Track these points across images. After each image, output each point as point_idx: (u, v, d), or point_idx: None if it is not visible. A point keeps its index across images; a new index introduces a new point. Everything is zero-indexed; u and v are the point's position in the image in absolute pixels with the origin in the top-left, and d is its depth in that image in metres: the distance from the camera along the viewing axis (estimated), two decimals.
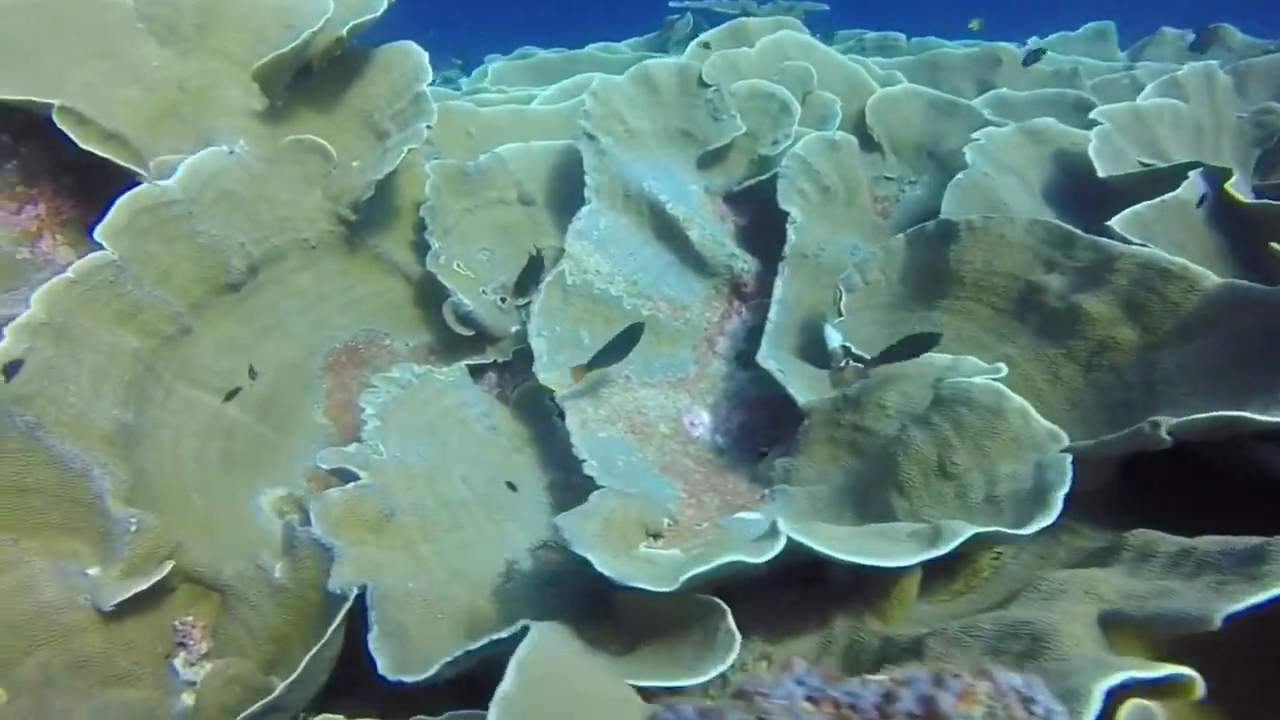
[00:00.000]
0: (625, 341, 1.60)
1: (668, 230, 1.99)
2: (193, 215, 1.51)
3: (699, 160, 2.19)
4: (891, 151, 2.35)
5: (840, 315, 1.66)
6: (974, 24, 5.21)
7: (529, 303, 1.94)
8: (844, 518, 1.26)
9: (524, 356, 1.88)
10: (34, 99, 1.41)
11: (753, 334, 1.97)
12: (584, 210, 1.95)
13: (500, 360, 1.86)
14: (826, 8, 4.35)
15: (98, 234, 1.36)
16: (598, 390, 1.66)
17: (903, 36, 3.70)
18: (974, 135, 1.98)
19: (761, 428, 1.80)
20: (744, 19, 2.49)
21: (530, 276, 1.84)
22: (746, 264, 1.97)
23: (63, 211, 1.53)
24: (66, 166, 1.54)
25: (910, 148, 2.36)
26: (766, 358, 1.65)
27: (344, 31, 1.76)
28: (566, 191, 2.23)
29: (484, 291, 1.90)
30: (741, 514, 1.35)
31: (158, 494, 1.27)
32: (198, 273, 1.52)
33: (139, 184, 1.50)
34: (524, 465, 1.58)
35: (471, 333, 1.82)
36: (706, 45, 2.86)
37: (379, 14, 1.81)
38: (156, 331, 1.41)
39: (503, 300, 1.91)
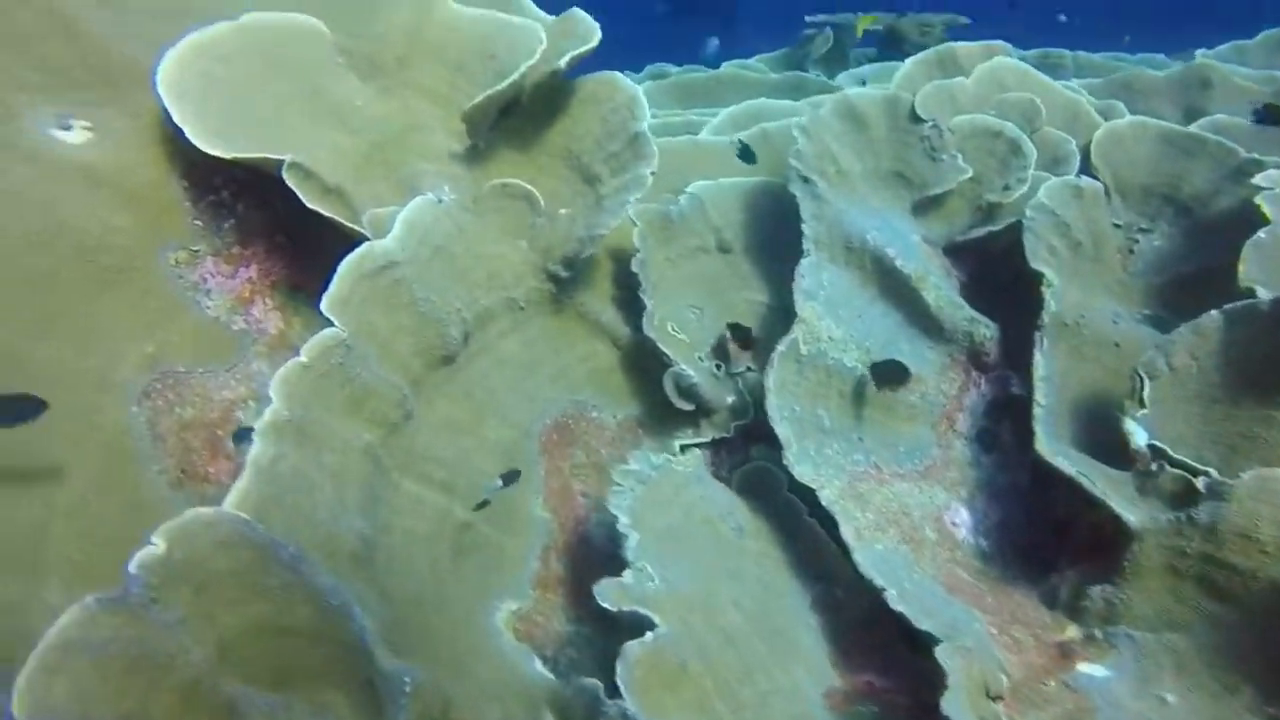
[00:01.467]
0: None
1: (896, 289, 1.75)
2: (412, 279, 1.32)
3: (915, 206, 1.96)
4: (1117, 194, 2.09)
5: (1141, 406, 1.41)
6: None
7: (743, 371, 1.73)
8: (1239, 691, 1.02)
9: (744, 431, 1.67)
10: (268, 156, 1.23)
11: (994, 410, 1.73)
12: (804, 264, 1.72)
13: (718, 436, 1.64)
14: (969, 21, 4.06)
15: (325, 308, 1.18)
16: (858, 488, 1.43)
17: (1066, 53, 3.40)
18: (1264, 182, 1.71)
19: (1020, 525, 1.56)
20: (952, 45, 2.23)
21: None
22: (988, 330, 1.72)
23: (273, 273, 1.35)
24: (279, 223, 1.36)
25: (1138, 190, 2.08)
26: (1054, 454, 1.40)
27: (561, 64, 1.56)
28: (764, 236, 2.01)
29: (700, 357, 1.69)
30: (1084, 668, 1.11)
31: (403, 621, 1.08)
32: (416, 345, 1.33)
33: (355, 242, 1.32)
34: (777, 573, 1.36)
35: (692, 406, 1.60)
36: (863, 82, 2.62)
37: (595, 45, 1.61)
38: (384, 419, 1.23)
39: (718, 367, 1.70)
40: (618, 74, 1.69)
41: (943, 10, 4.15)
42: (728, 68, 3.48)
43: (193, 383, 1.18)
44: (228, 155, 1.21)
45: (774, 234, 2.00)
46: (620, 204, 1.52)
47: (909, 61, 2.14)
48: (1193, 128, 2.21)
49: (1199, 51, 3.82)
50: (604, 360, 1.66)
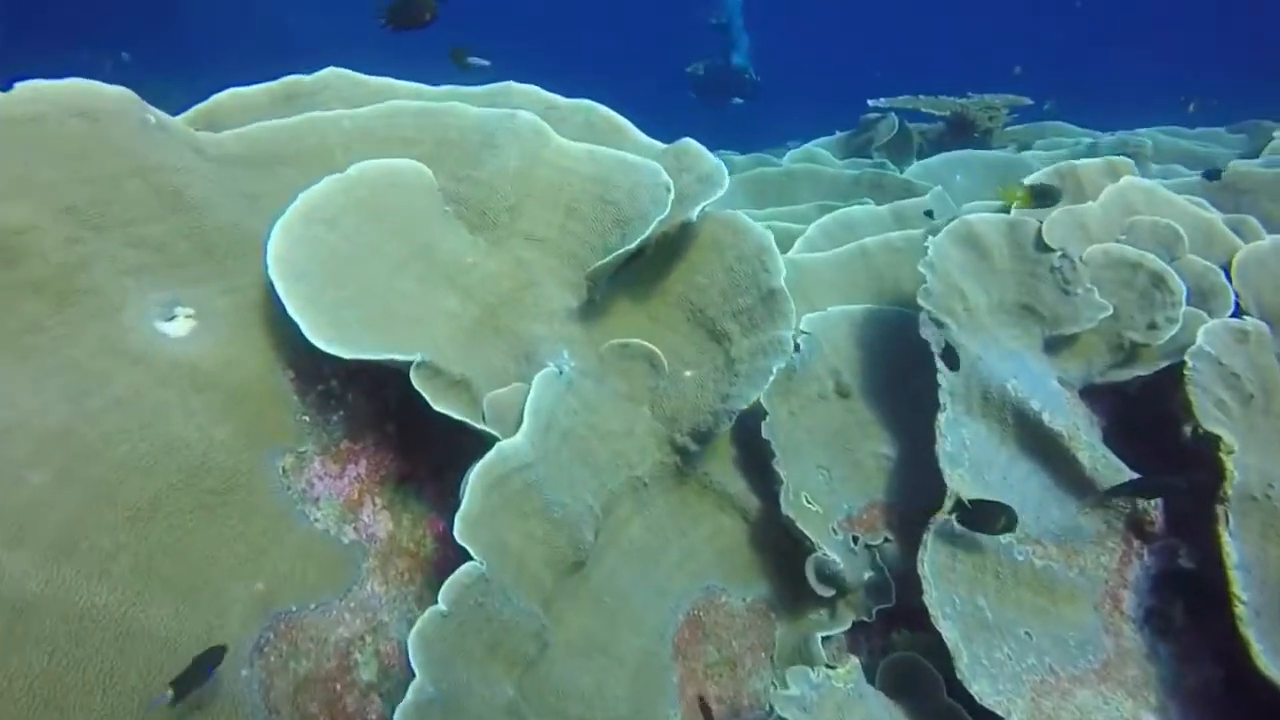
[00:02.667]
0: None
1: (1042, 446, 1.58)
2: (543, 480, 1.15)
3: (1047, 343, 1.79)
4: (1264, 322, 1.91)
5: None
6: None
7: (880, 544, 1.55)
8: None
9: (885, 616, 1.48)
10: (394, 357, 1.08)
11: (1162, 586, 1.54)
12: (942, 421, 1.55)
13: (857, 620, 1.46)
14: (1030, 102, 3.94)
15: (459, 535, 1.01)
16: (1042, 706, 1.24)
17: (1148, 141, 3.26)
18: None
19: None
20: (1073, 163, 2.08)
21: None
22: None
23: (382, 466, 1.19)
24: (388, 411, 1.20)
25: None
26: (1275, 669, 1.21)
27: (693, 216, 1.41)
28: (882, 374, 1.84)
29: (834, 530, 1.51)
30: None
31: None
32: (548, 555, 1.16)
33: (475, 436, 1.16)
34: None
35: (833, 592, 1.42)
36: (929, 214, 2.48)
37: (725, 190, 1.46)
38: (521, 658, 1.05)
39: (854, 541, 1.52)
40: (742, 216, 1.54)
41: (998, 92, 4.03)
42: (797, 159, 3.35)
43: (306, 624, 1.01)
44: (349, 356, 1.06)
45: (891, 371, 1.84)
46: (761, 374, 1.36)
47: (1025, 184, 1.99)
48: None
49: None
50: (731, 536, 1.49)
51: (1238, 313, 1.78)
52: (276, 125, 1.50)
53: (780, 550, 1.50)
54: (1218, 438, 1.49)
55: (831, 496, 1.56)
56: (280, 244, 1.17)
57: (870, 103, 3.70)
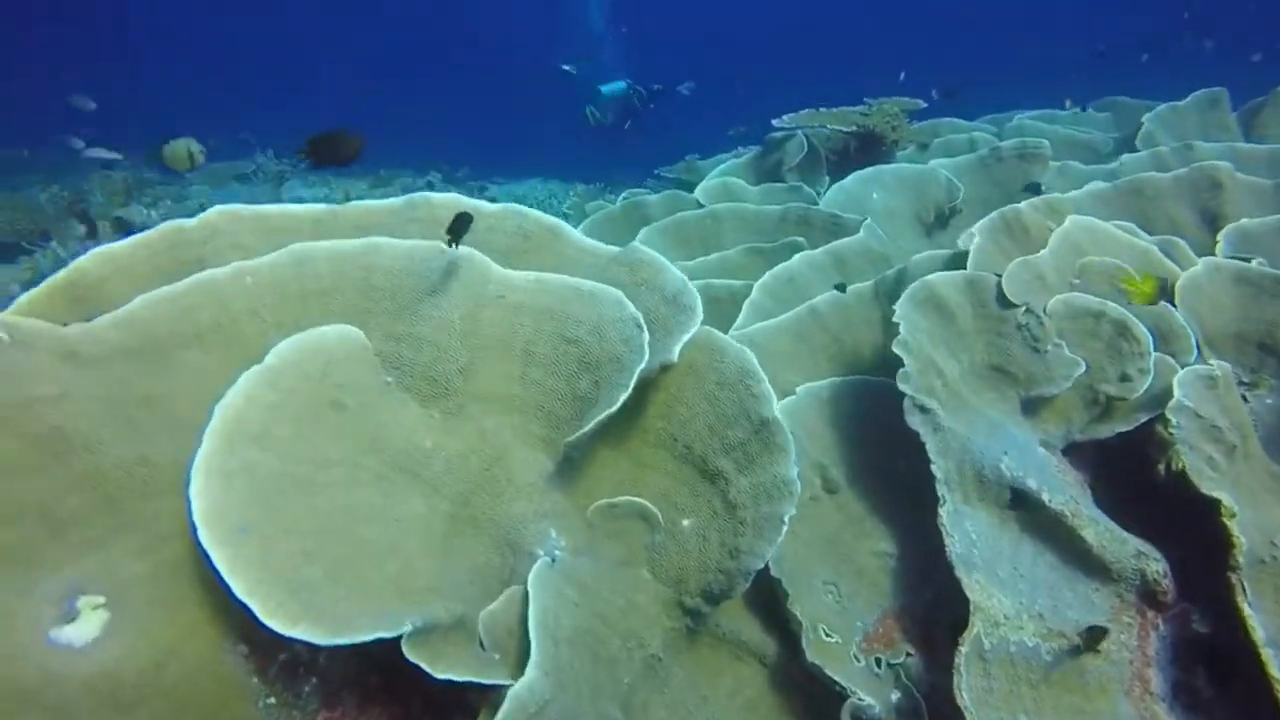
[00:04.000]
0: None
1: (1045, 526, 1.52)
2: (564, 712, 0.99)
3: (1024, 404, 1.73)
4: (1208, 345, 1.93)
5: None
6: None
7: (903, 660, 1.45)
8: None
9: None
10: (380, 636, 0.88)
11: (1182, 656, 1.50)
12: (944, 517, 1.46)
13: None
14: (924, 104, 3.96)
15: None
16: None
17: (1045, 142, 3.31)
18: None
19: None
20: (1015, 207, 2.04)
21: None
22: (1159, 564, 1.50)
23: None
24: (371, 661, 1.00)
25: (1229, 340, 1.93)
26: None
27: (674, 358, 1.25)
28: (864, 456, 1.74)
29: (855, 657, 1.40)
30: None
31: None
32: None
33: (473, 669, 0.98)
34: None
35: None
36: (841, 288, 2.43)
37: (700, 314, 1.32)
38: None
39: (878, 664, 1.41)
40: (716, 333, 1.39)
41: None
42: (714, 192, 3.24)
43: None
44: (324, 644, 0.85)
45: (872, 452, 1.74)
46: (771, 524, 1.22)
47: (979, 234, 1.93)
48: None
49: (1145, 117, 3.82)
50: (752, 687, 1.35)
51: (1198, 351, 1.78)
52: (164, 297, 1.25)
53: (804, 689, 1.38)
54: (1217, 502, 1.46)
55: (844, 616, 1.45)
56: (206, 491, 0.95)
57: (775, 122, 3.62)
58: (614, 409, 1.17)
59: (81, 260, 1.35)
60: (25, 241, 4.16)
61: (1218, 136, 3.85)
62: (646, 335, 1.24)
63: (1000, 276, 1.78)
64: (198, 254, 1.40)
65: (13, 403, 0.97)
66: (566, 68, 5.82)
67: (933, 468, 1.51)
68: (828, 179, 3.50)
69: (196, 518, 0.91)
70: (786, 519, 1.22)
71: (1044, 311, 1.74)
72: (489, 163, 7.34)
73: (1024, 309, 1.74)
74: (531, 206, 4.68)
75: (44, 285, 1.32)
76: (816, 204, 3.22)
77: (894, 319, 1.70)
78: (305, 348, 1.17)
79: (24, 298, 1.30)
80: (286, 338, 1.27)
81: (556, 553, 1.17)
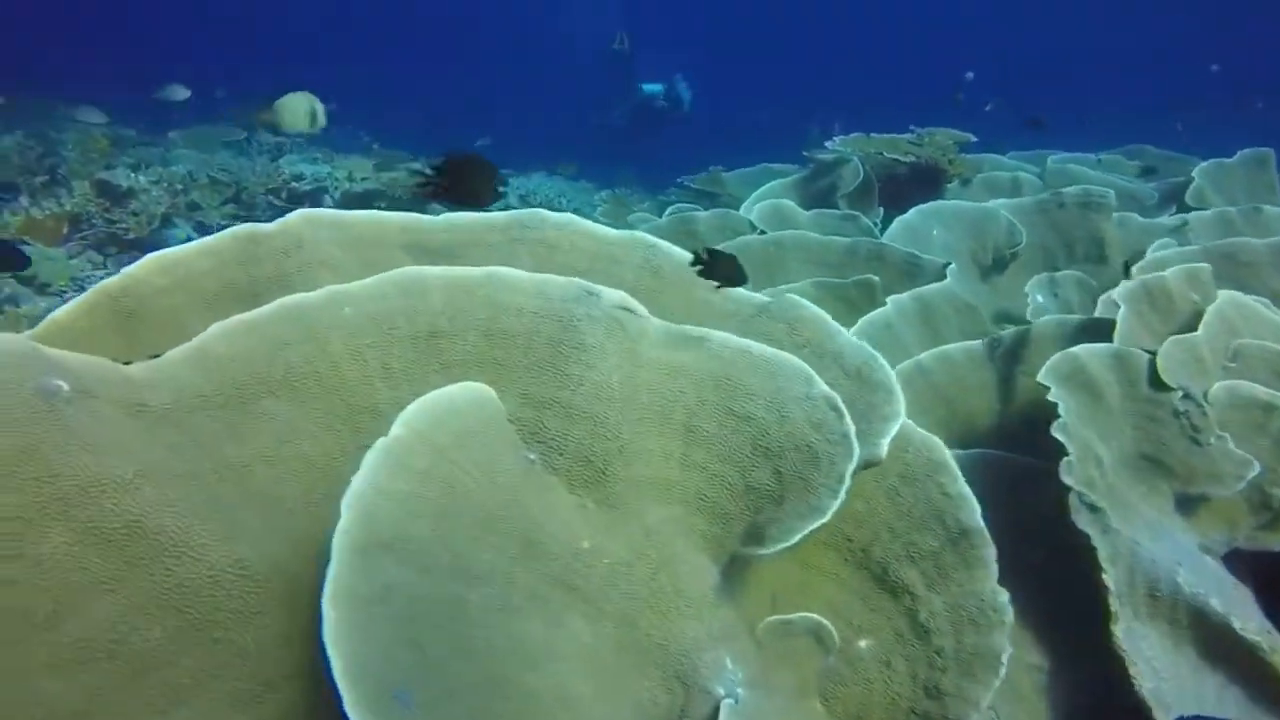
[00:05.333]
0: None
1: (1230, 653, 1.33)
2: None
3: (1178, 501, 1.54)
4: None
5: None
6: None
7: None
8: None
9: None
10: None
11: None
12: (1119, 635, 1.26)
13: None
14: (975, 138, 3.80)
15: None
16: None
17: (1110, 193, 3.16)
18: None
19: None
20: (1160, 276, 1.85)
21: None
22: None
23: None
24: None
25: None
26: None
27: (882, 451, 1.02)
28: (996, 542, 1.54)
29: None
30: None
31: None
32: None
33: None
34: None
35: None
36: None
37: (903, 407, 1.09)
38: None
39: None
40: (901, 424, 1.16)
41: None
42: (766, 215, 3.02)
43: None
44: None
45: (1003, 537, 1.54)
46: (987, 662, 1.00)
47: (1123, 302, 1.73)
48: None
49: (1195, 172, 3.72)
50: None
51: None
52: (244, 326, 0.97)
53: None
54: None
55: None
56: (345, 636, 0.68)
57: (828, 145, 3.42)
58: (825, 518, 0.93)
59: (134, 268, 1.06)
60: None
61: (1264, 196, 3.78)
62: (849, 423, 1.00)
63: (1153, 354, 1.59)
64: (277, 269, 1.13)
65: (81, 486, 0.69)
66: (616, 46, 5.54)
67: (1104, 577, 1.31)
68: (881, 210, 3.30)
69: (339, 677, 0.65)
70: (1004, 657, 1.00)
71: (1204, 398, 1.56)
72: (487, 151, 7.00)
73: (1181, 394, 1.56)
74: (548, 203, 4.46)
75: (86, 295, 1.03)
76: (875, 234, 3.04)
77: (1049, 396, 1.49)
78: (436, 415, 0.90)
79: (62, 312, 1.01)
80: (394, 389, 1.00)
81: (739, 690, 0.92)
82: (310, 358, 0.97)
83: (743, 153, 5.42)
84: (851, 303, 2.42)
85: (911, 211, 3.01)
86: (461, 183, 1.15)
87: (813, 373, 1.07)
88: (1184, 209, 3.65)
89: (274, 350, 0.96)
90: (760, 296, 1.34)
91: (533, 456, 0.98)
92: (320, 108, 1.38)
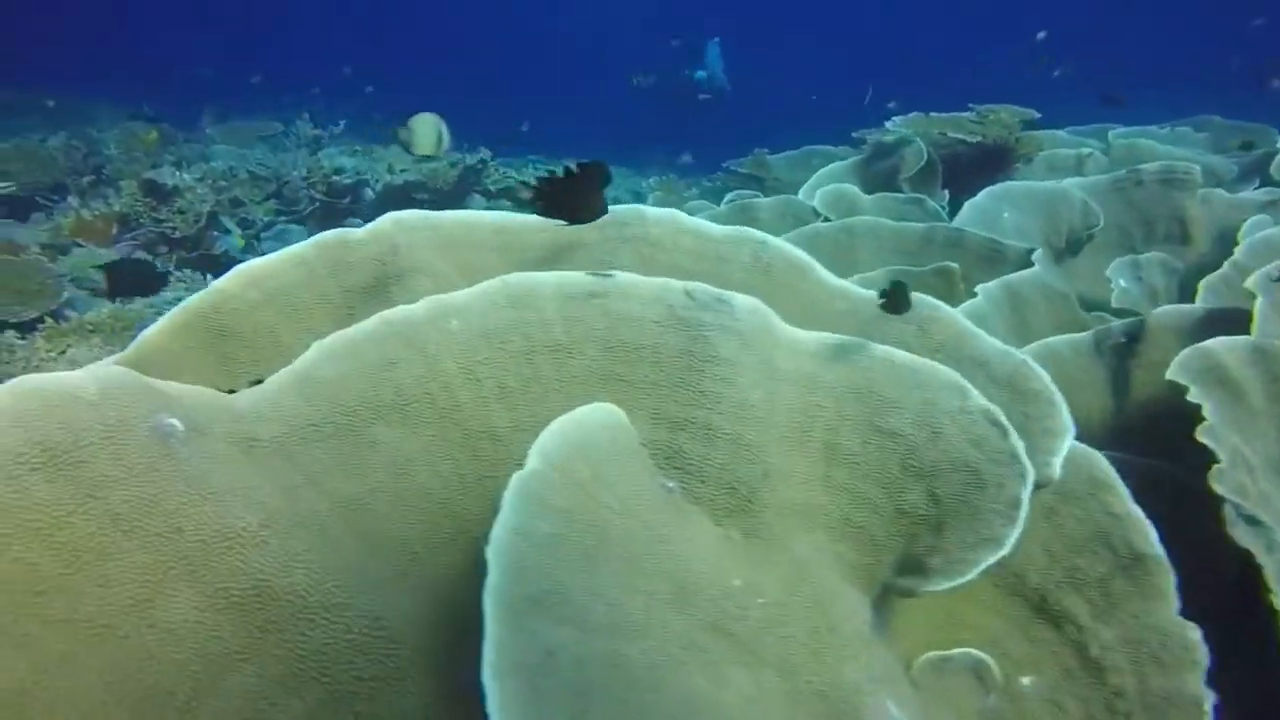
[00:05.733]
0: None
1: None
2: None
3: None
4: None
5: None
6: None
7: None
8: None
9: None
10: None
11: None
12: None
13: None
14: (1038, 115, 3.63)
15: None
16: None
17: (1195, 168, 2.99)
18: None
19: None
20: None
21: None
22: None
23: None
24: None
25: None
26: None
27: (1055, 471, 0.91)
28: None
29: None
30: None
31: None
32: None
33: None
34: None
35: None
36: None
37: (1070, 420, 0.97)
38: None
39: None
40: (1073, 440, 1.05)
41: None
42: (829, 199, 2.89)
43: None
44: None
45: None
46: (1183, 711, 0.89)
47: (1259, 292, 1.60)
48: None
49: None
50: None
51: None
52: (348, 346, 0.88)
53: None
54: None
55: None
56: (509, 704, 0.59)
57: (889, 125, 3.27)
58: (1004, 550, 0.83)
59: (222, 282, 0.98)
60: (40, 196, 3.70)
61: None
62: (1016, 440, 0.89)
63: None
64: (372, 277, 1.03)
65: (205, 541, 0.60)
66: (675, 41, 5.44)
67: (1273, 598, 1.19)
68: (946, 192, 3.16)
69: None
70: (1207, 705, 0.89)
71: None
72: (526, 137, 6.93)
73: None
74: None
75: (177, 314, 0.94)
76: (943, 218, 2.90)
77: (1190, 397, 1.36)
78: (572, 444, 0.81)
79: (153, 332, 0.93)
80: (511, 410, 0.91)
81: None
82: (421, 378, 0.88)
83: (776, 135, 5.28)
84: (930, 291, 2.28)
85: (981, 194, 2.86)
86: (572, 193, 1.05)
87: (966, 383, 0.96)
88: (1268, 183, 3.46)
89: (381, 371, 0.87)
90: (858, 289, 1.23)
91: (671, 484, 0.88)
92: (446, 131, 1.31)
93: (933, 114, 3.40)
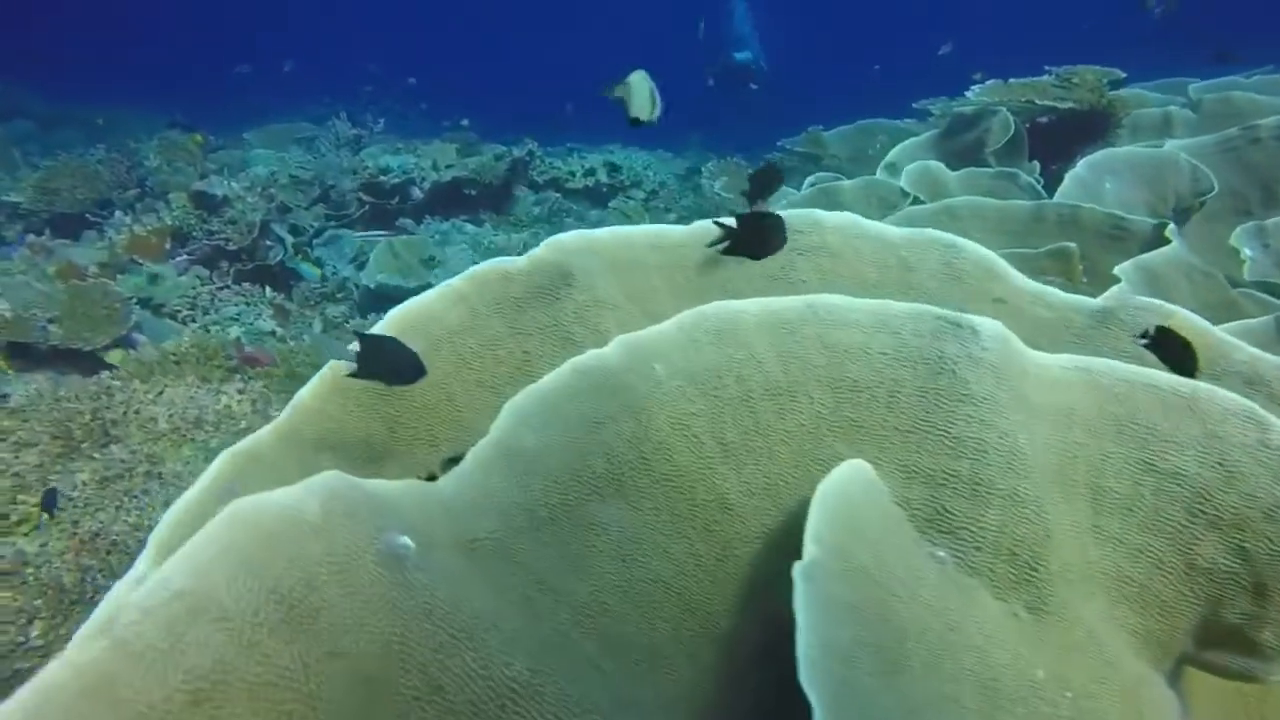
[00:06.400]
0: None
1: None
2: None
3: None
4: None
5: None
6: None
7: None
8: None
9: None
10: None
11: None
12: None
13: None
14: (1124, 74, 3.40)
15: None
16: None
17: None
18: None
19: None
20: None
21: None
22: None
23: None
24: None
25: None
26: None
27: None
28: None
29: None
30: None
31: None
32: None
33: None
34: None
35: None
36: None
37: None
38: None
39: None
40: None
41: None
42: (916, 177, 2.71)
43: None
44: None
45: None
46: None
47: None
48: None
49: None
50: None
51: None
52: (541, 405, 0.74)
53: None
54: None
55: None
56: None
57: (969, 94, 3.07)
58: None
59: (377, 331, 0.84)
60: (89, 213, 3.61)
61: None
62: None
63: None
64: (544, 313, 0.89)
65: (478, 703, 0.47)
66: (701, 25, 5.24)
67: None
68: (1036, 164, 2.96)
69: None
70: None
71: None
72: (571, 119, 6.75)
73: None
74: (636, 175, 4.11)
75: (329, 374, 0.81)
76: (1039, 192, 2.72)
77: None
78: (842, 521, 0.66)
79: (308, 395, 0.80)
80: (737, 470, 0.77)
81: None
82: (633, 440, 0.74)
83: (822, 110, 5.07)
84: (1047, 274, 2.12)
85: (1079, 164, 2.67)
86: (754, 236, 0.92)
87: (1260, 410, 0.80)
88: None
89: (588, 435, 0.73)
90: (1088, 301, 1.07)
91: (942, 554, 0.73)
92: (658, 94, 1.15)
93: (1011, 80, 3.19)
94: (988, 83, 3.19)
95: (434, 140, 4.50)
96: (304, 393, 0.81)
